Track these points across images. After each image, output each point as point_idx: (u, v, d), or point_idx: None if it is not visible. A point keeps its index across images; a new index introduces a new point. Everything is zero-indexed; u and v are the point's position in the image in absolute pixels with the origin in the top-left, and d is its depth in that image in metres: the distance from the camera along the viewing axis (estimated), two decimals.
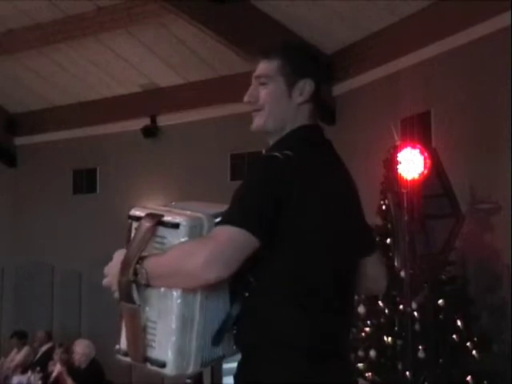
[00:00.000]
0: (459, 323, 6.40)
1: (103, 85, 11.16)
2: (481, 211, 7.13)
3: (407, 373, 6.15)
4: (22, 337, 10.67)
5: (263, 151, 2.33)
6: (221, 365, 8.20)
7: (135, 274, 2.02)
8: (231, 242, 1.97)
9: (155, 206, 2.21)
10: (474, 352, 6.28)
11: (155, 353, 2.06)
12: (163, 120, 11.14)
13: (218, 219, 2.10)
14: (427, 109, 7.98)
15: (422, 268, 6.39)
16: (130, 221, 2.18)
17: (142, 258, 2.03)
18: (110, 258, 2.23)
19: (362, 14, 8.51)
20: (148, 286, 2.03)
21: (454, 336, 6.29)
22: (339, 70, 9.03)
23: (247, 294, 2.08)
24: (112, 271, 2.12)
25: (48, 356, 9.84)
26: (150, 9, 9.25)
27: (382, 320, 6.51)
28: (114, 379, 9.27)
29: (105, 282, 2.18)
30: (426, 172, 6.38)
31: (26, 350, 10.53)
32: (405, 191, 6.26)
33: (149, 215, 2.09)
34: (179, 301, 2.01)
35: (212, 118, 10.66)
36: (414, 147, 6.46)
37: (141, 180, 11.13)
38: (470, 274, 6.81)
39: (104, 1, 9.53)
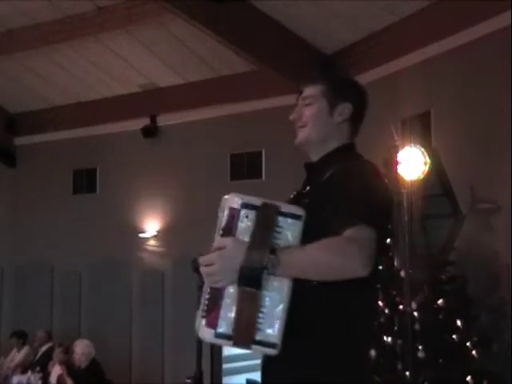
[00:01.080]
0: (459, 323, 6.40)
1: (103, 85, 11.16)
2: (481, 211, 7.13)
3: (407, 373, 6.15)
4: (21, 337, 10.67)
5: (304, 161, 2.58)
6: (221, 365, 8.20)
7: (268, 261, 2.12)
8: (373, 243, 2.17)
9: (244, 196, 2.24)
10: (474, 352, 6.28)
11: (263, 335, 2.18)
12: (163, 120, 11.14)
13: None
14: (427, 109, 7.98)
15: (422, 268, 6.38)
16: (235, 206, 2.19)
17: (274, 251, 2.14)
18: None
19: (362, 14, 8.51)
20: (271, 275, 2.14)
21: (454, 336, 6.29)
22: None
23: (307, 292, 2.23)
24: (225, 260, 2.15)
25: (48, 356, 9.84)
26: (150, 9, 9.25)
27: (382, 320, 6.51)
28: (113, 379, 9.27)
29: (210, 269, 2.18)
30: (425, 172, 6.38)
31: (25, 349, 10.53)
32: (405, 191, 6.26)
33: (267, 205, 2.19)
34: (286, 290, 2.18)
35: (212, 118, 10.66)
36: (413, 147, 6.46)
37: (141, 180, 11.13)
38: (469, 274, 6.81)
39: (104, 1, 9.53)
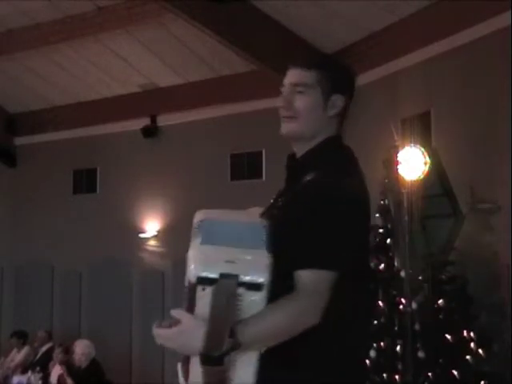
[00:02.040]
0: (459, 323, 6.40)
1: (103, 85, 11.16)
2: (481, 211, 7.13)
3: (407, 373, 6.15)
4: (21, 337, 10.67)
5: (291, 155, 2.37)
6: None
7: (228, 345, 1.98)
8: (328, 288, 2.06)
9: (195, 247, 2.08)
10: (473, 352, 6.28)
11: None
12: (163, 120, 11.14)
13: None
14: (427, 109, 7.98)
15: (422, 268, 6.39)
16: (194, 282, 2.01)
17: (233, 333, 1.98)
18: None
19: (362, 14, 8.51)
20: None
21: (454, 336, 6.29)
22: None
23: None
24: (182, 338, 2.04)
25: (48, 356, 9.84)
26: (150, 9, 9.25)
27: (382, 320, 6.51)
28: (113, 379, 9.27)
29: (168, 345, 2.10)
30: (425, 172, 6.38)
31: (26, 349, 10.53)
32: (405, 191, 6.26)
33: (224, 276, 1.97)
34: (254, 360, 2.05)
35: (212, 118, 10.66)
36: (413, 147, 6.46)
37: (141, 180, 11.13)
38: (470, 274, 6.81)
39: (104, 1, 9.53)
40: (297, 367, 2.12)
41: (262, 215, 2.26)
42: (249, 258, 2.00)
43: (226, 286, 1.96)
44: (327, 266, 2.06)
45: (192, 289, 2.01)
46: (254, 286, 1.97)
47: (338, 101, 2.29)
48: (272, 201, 2.32)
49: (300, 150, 2.30)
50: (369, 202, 2.23)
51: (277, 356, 2.07)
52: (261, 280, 1.97)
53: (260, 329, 2.01)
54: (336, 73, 2.33)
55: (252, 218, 2.21)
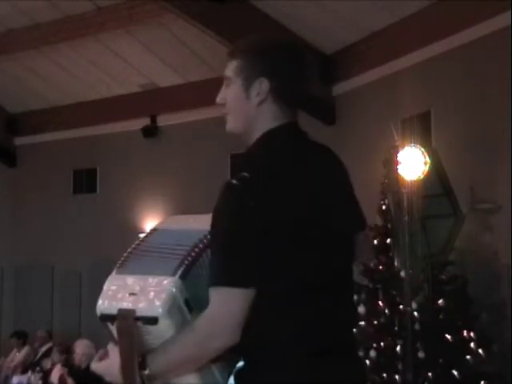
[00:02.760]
0: (459, 323, 6.40)
1: (103, 85, 11.16)
2: (481, 211, 7.13)
3: (407, 373, 6.15)
4: (21, 337, 10.68)
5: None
6: None
7: (142, 377, 1.98)
8: (236, 306, 1.94)
9: (115, 278, 2.10)
10: (473, 352, 6.28)
11: None
12: (163, 120, 11.14)
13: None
14: (427, 109, 7.98)
15: (422, 268, 6.39)
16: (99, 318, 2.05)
17: (142, 361, 1.98)
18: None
19: (362, 14, 8.51)
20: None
21: (454, 336, 6.29)
22: (339, 70, 9.03)
23: None
24: (109, 372, 2.06)
25: (48, 356, 9.85)
26: (150, 9, 9.26)
27: (382, 320, 6.51)
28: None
29: (104, 377, 2.10)
30: (425, 172, 6.38)
31: (26, 349, 10.53)
32: (405, 191, 6.26)
33: (121, 312, 1.97)
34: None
35: (212, 118, 10.63)
36: (413, 147, 6.46)
37: (141, 180, 11.13)
38: (469, 274, 6.81)
39: (104, 1, 9.53)
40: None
41: None
42: (152, 287, 1.97)
43: (124, 324, 1.95)
44: (234, 283, 1.93)
45: (104, 324, 2.02)
46: (150, 321, 1.94)
47: (262, 85, 2.06)
48: None
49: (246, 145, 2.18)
50: (240, 213, 1.97)
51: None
52: (155, 314, 1.93)
53: (170, 356, 1.97)
54: (256, 53, 2.10)
55: (190, 236, 2.13)
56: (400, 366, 6.28)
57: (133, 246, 2.13)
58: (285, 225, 1.98)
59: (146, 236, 2.18)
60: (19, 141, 12.55)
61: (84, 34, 10.02)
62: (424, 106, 7.97)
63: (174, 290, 1.96)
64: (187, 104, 10.76)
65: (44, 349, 10.28)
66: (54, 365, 9.33)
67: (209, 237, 2.04)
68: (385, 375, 6.35)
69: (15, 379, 9.51)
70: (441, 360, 6.23)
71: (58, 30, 9.99)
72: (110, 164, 11.50)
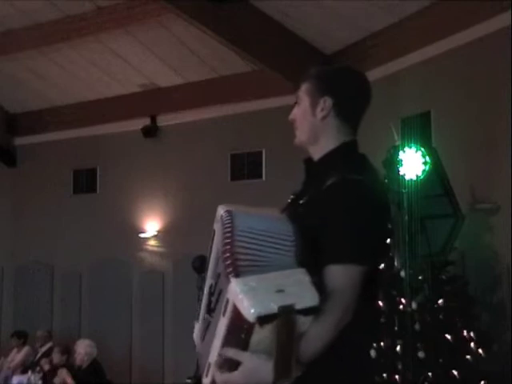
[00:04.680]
0: (459, 323, 6.40)
1: (103, 85, 11.16)
2: (481, 211, 7.13)
3: (407, 373, 6.15)
4: (21, 337, 10.68)
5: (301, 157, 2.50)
6: None
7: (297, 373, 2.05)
8: (357, 284, 2.14)
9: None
10: (473, 352, 6.28)
11: None
12: (163, 120, 11.14)
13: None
14: (427, 109, 7.98)
15: (422, 268, 6.39)
16: (253, 322, 1.96)
17: (294, 359, 2.04)
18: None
19: (362, 14, 8.51)
20: None
21: (454, 336, 6.29)
22: None
23: None
24: (248, 378, 2.08)
25: (48, 356, 9.85)
26: (150, 9, 9.26)
27: (383, 320, 6.51)
28: (113, 379, 9.28)
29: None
30: (426, 172, 6.38)
31: (26, 349, 10.54)
32: (405, 191, 6.26)
33: (283, 310, 1.96)
34: None
35: (212, 118, 10.66)
36: (413, 147, 6.46)
37: (141, 180, 11.14)
38: (470, 274, 6.81)
39: (104, 1, 9.53)
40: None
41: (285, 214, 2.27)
42: (292, 281, 2.01)
43: (287, 319, 1.98)
44: (359, 260, 2.14)
45: (249, 328, 1.97)
46: (311, 311, 2.01)
47: (326, 103, 2.38)
48: (289, 201, 2.42)
49: (313, 154, 2.44)
50: (388, 202, 2.39)
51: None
52: (315, 303, 2.01)
53: (318, 343, 2.09)
54: (322, 77, 2.45)
55: (279, 222, 2.18)
56: (400, 366, 6.28)
57: (225, 234, 2.08)
58: (383, 230, 2.33)
59: (228, 222, 2.11)
60: (19, 141, 12.55)
61: (84, 34, 10.01)
62: (424, 105, 7.97)
63: (310, 279, 2.03)
64: (187, 104, 10.77)
65: (44, 349, 10.28)
66: (54, 365, 9.33)
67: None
68: (385, 375, 6.35)
69: (15, 379, 9.52)
70: (441, 360, 6.23)
71: (57, 29, 9.98)
72: (110, 164, 11.51)
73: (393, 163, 6.41)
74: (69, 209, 11.72)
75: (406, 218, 6.21)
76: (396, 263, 6.46)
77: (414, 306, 6.21)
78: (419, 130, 7.10)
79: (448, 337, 6.27)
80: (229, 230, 2.07)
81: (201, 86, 10.61)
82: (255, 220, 2.13)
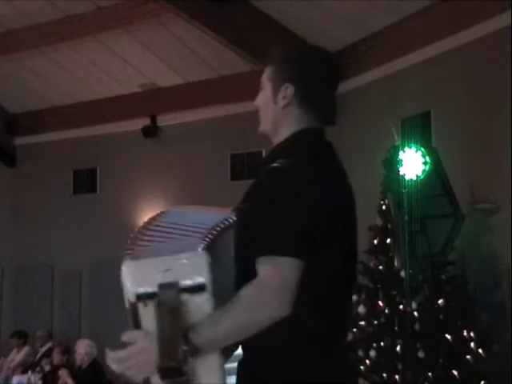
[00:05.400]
0: (459, 323, 6.40)
1: (103, 85, 11.16)
2: (481, 211, 7.13)
3: (407, 373, 6.15)
4: (21, 337, 10.67)
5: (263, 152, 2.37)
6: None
7: (183, 354, 1.94)
8: (294, 280, 1.96)
9: (140, 244, 2.06)
10: (473, 352, 6.28)
11: None
12: (163, 120, 11.14)
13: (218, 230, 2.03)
14: (427, 109, 7.98)
15: (422, 268, 6.39)
16: (134, 301, 1.96)
17: (187, 338, 1.93)
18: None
19: (362, 14, 8.51)
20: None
21: (454, 336, 6.29)
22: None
23: None
24: (138, 354, 1.99)
25: (48, 356, 9.85)
26: (150, 9, 9.26)
27: (382, 320, 6.52)
28: (113, 379, 9.27)
29: (125, 366, 2.01)
30: (426, 172, 6.38)
31: (26, 349, 10.53)
32: (405, 191, 6.26)
33: (163, 287, 1.92)
34: (219, 363, 1.98)
35: (212, 117, 10.66)
36: (413, 147, 6.46)
37: (141, 180, 11.14)
38: (469, 274, 6.81)
39: (104, 1, 9.53)
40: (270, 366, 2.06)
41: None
42: (185, 261, 1.94)
43: (168, 297, 1.91)
44: (288, 252, 1.96)
45: (134, 308, 1.95)
46: (197, 288, 1.91)
47: (287, 90, 2.23)
48: None
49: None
50: (293, 191, 2.05)
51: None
52: (201, 280, 1.91)
53: (218, 327, 1.94)
54: (285, 61, 2.28)
55: (212, 216, 2.15)
56: (400, 366, 6.28)
57: (139, 229, 2.13)
58: (321, 217, 2.06)
59: (154, 219, 2.14)
60: (19, 141, 12.55)
61: (84, 34, 10.02)
62: (424, 105, 7.97)
63: (207, 260, 1.94)
64: (187, 104, 10.77)
65: (44, 349, 10.28)
66: (54, 366, 9.33)
67: (231, 219, 2.10)
68: (385, 375, 6.35)
69: (15, 379, 9.52)
70: (441, 360, 6.23)
71: (57, 30, 9.98)
72: (110, 164, 11.50)
73: (393, 163, 6.41)
74: (69, 209, 11.71)
75: (406, 217, 6.21)
76: (396, 263, 6.47)
77: (414, 305, 6.21)
78: (419, 130, 7.10)
79: (448, 337, 6.27)
80: (143, 225, 2.17)
81: (201, 85, 10.61)
82: (183, 216, 2.12)
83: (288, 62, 2.28)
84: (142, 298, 1.93)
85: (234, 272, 2.08)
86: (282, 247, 1.97)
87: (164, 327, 1.92)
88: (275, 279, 1.94)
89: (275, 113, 2.26)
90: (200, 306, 1.93)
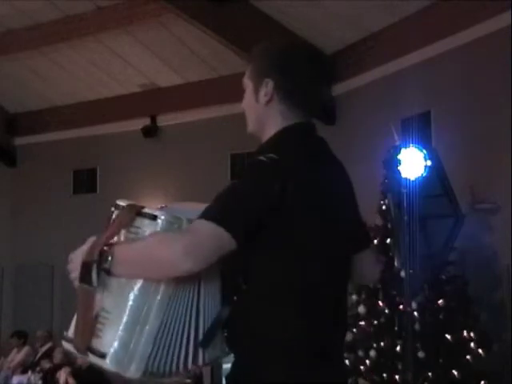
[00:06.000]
0: (459, 323, 6.40)
1: (103, 85, 11.16)
2: (481, 211, 7.13)
3: (407, 373, 6.15)
4: (21, 337, 10.67)
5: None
6: (221, 365, 8.19)
7: (100, 255, 2.00)
8: (210, 238, 1.92)
9: (149, 207, 2.15)
10: (473, 352, 6.28)
11: (99, 343, 1.98)
12: (163, 120, 11.14)
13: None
14: (427, 109, 7.98)
15: (422, 268, 6.39)
16: (112, 209, 2.13)
17: (112, 244, 2.01)
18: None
19: (362, 14, 8.51)
20: (109, 273, 1.99)
21: (454, 336, 6.29)
22: (339, 70, 9.03)
23: (236, 298, 2.06)
24: (80, 255, 2.08)
25: (48, 356, 9.84)
26: (150, 9, 9.26)
27: (382, 320, 6.51)
28: (113, 379, 9.26)
29: (69, 266, 2.14)
30: (425, 172, 6.38)
31: (26, 349, 10.53)
32: (405, 191, 6.26)
33: (130, 205, 2.06)
34: (136, 293, 1.95)
35: (212, 117, 10.66)
36: (413, 147, 6.46)
37: (141, 180, 11.13)
38: (469, 274, 6.81)
39: (104, 1, 9.53)
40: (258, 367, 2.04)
41: None
42: (151, 209, 2.10)
43: (129, 210, 2.06)
44: (211, 218, 1.94)
45: (110, 215, 2.13)
46: (151, 217, 2.01)
47: (267, 86, 2.18)
48: None
49: None
50: (263, 184, 2.01)
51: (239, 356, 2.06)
52: (157, 213, 2.03)
53: (129, 248, 1.98)
54: (263, 57, 2.25)
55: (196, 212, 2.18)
56: (400, 366, 6.28)
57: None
58: (305, 212, 2.01)
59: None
60: (19, 141, 12.55)
61: (84, 34, 10.02)
62: (424, 105, 7.97)
63: (183, 218, 2.02)
64: (187, 104, 10.77)
65: (44, 349, 10.28)
66: (55, 365, 9.33)
67: None
68: (385, 375, 6.35)
69: (15, 379, 9.52)
70: (441, 360, 6.23)
71: (57, 30, 9.99)
72: (110, 164, 11.51)
73: (393, 163, 6.41)
74: (69, 209, 11.71)
75: (406, 217, 6.21)
76: (396, 263, 6.46)
77: (414, 305, 6.21)
78: (419, 130, 7.10)
79: (448, 337, 6.27)
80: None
81: (201, 85, 10.61)
82: (182, 213, 2.15)
83: (266, 58, 2.23)
84: (116, 206, 2.12)
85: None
86: (220, 217, 1.94)
87: (105, 231, 2.08)
88: (195, 234, 1.92)
89: (258, 111, 2.22)
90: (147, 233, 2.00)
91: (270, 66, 2.19)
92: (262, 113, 2.21)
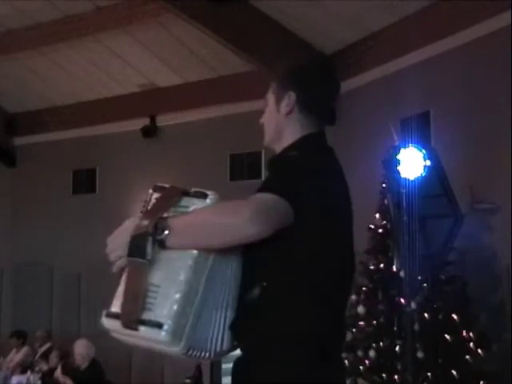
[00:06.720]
0: (458, 323, 6.39)
1: (103, 85, 11.16)
2: (480, 211, 7.13)
3: (406, 373, 6.15)
4: (21, 337, 10.66)
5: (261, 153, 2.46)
6: (220, 365, 8.19)
7: (155, 227, 2.01)
8: (276, 205, 2.04)
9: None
10: (473, 352, 6.27)
11: (152, 315, 1.97)
12: (163, 120, 11.14)
13: None
14: (427, 109, 7.98)
15: (421, 268, 6.39)
16: (150, 191, 2.14)
17: (164, 218, 2.03)
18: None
19: (362, 14, 8.51)
20: (163, 245, 2.01)
21: (454, 336, 6.29)
22: (339, 70, 9.03)
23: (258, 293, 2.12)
24: (121, 234, 2.07)
25: (47, 356, 9.84)
26: (150, 9, 9.26)
27: (382, 320, 6.51)
28: (113, 379, 9.27)
29: (108, 248, 2.12)
30: (425, 172, 6.38)
31: (25, 349, 10.52)
32: (404, 191, 6.26)
33: (173, 186, 2.12)
34: (187, 268, 1.98)
35: (211, 118, 10.66)
36: (413, 147, 6.46)
37: (140, 180, 11.12)
38: (469, 274, 6.81)
39: (104, 1, 9.53)
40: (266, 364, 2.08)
41: None
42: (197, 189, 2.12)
43: (174, 191, 2.09)
44: (271, 190, 2.06)
45: (146, 199, 2.13)
46: (201, 195, 2.05)
47: (290, 98, 2.33)
48: None
49: (277, 152, 2.45)
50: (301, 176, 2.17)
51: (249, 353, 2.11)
52: (207, 192, 2.06)
53: (187, 219, 2.03)
54: (286, 73, 2.41)
55: None
56: (399, 366, 6.28)
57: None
58: (324, 212, 2.14)
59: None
60: (19, 141, 12.55)
61: (83, 34, 10.02)
62: (424, 105, 7.97)
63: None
64: (187, 104, 10.77)
65: (43, 349, 10.28)
66: (50, 368, 9.32)
67: None
68: (384, 375, 6.35)
69: (14, 379, 9.50)
70: (440, 360, 6.23)
71: (57, 30, 9.99)
72: (110, 164, 11.50)
73: (393, 163, 6.41)
74: (69, 209, 11.71)
75: (406, 218, 6.21)
76: (396, 263, 6.46)
77: (413, 306, 6.21)
78: (419, 130, 7.10)
79: (447, 337, 6.27)
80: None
81: (200, 86, 10.60)
82: None
83: (289, 73, 2.39)
84: (157, 189, 2.13)
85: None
86: (280, 191, 2.06)
87: (152, 208, 2.08)
88: (261, 201, 2.04)
89: (279, 120, 2.36)
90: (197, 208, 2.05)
91: (292, 80, 2.36)
92: (282, 122, 2.36)
